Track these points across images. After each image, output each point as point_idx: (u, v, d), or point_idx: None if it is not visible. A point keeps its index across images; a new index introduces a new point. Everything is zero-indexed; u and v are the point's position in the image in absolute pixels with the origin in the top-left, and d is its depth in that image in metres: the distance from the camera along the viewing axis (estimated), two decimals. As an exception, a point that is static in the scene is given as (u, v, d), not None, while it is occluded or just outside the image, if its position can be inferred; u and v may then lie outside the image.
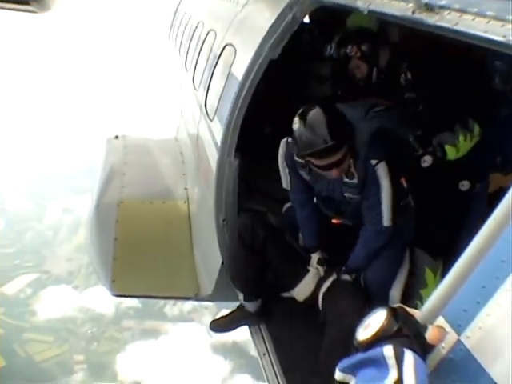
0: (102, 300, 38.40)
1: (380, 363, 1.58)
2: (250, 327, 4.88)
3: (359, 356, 1.66)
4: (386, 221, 3.80)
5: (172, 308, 39.87)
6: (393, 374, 1.54)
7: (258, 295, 4.61)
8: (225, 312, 5.12)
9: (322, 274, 4.20)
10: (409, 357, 1.59)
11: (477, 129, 3.95)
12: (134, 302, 39.03)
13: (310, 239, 4.34)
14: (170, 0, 12.40)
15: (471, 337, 1.68)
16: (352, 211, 4.06)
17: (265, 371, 4.46)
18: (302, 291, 4.24)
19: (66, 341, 37.68)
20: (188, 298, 6.17)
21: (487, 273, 1.69)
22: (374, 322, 1.76)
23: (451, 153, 3.96)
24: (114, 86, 55.63)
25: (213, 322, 5.04)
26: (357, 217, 4.03)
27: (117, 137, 8.71)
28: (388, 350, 1.60)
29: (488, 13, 2.21)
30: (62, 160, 52.15)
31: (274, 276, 4.45)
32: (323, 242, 4.34)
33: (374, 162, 3.71)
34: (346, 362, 1.67)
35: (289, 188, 4.31)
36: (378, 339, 1.70)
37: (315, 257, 4.27)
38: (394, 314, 1.77)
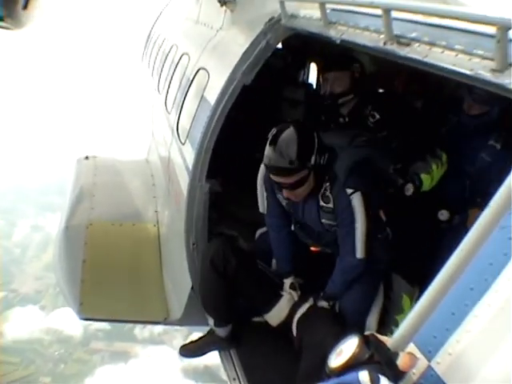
0: (70, 322, 37.82)
1: None
2: (220, 352, 4.82)
3: (334, 380, 1.66)
4: (360, 253, 3.80)
5: (142, 330, 39.46)
6: None
7: (228, 320, 4.55)
8: (196, 335, 5.05)
9: (295, 298, 4.18)
10: (384, 383, 1.59)
11: (444, 157, 4.22)
12: (103, 324, 38.41)
13: (284, 264, 4.33)
14: (144, 21, 12.43)
15: (441, 363, 1.70)
16: (330, 239, 4.05)
17: None
18: (275, 316, 4.21)
19: (33, 362, 37.02)
20: (157, 323, 6.08)
21: (456, 300, 1.72)
22: (346, 349, 1.77)
23: (426, 181, 4.16)
24: (86, 104, 55.47)
25: (182, 346, 4.94)
26: (336, 244, 4.01)
27: (87, 157, 8.63)
28: (364, 376, 1.61)
29: (456, 46, 2.27)
30: (33, 176, 51.68)
31: (246, 301, 4.41)
32: (299, 268, 4.32)
33: (349, 190, 3.71)
34: None
35: (265, 212, 4.32)
36: (350, 366, 1.71)
37: (288, 282, 4.25)
38: (366, 341, 1.79)
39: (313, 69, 7.96)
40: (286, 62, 7.09)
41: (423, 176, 4.15)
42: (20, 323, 38.91)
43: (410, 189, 4.15)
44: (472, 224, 1.76)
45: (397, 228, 4.07)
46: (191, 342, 4.92)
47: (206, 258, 4.32)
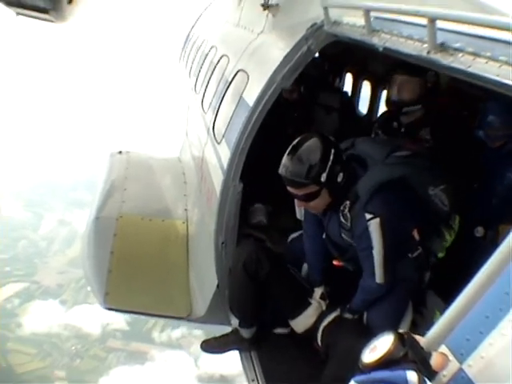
0: (89, 319, 38.03)
1: None
2: (240, 353, 4.85)
3: (379, 374, 1.66)
4: (379, 278, 3.71)
5: (160, 334, 39.30)
6: None
7: (253, 323, 4.58)
8: None
9: (323, 308, 4.18)
10: None
11: (457, 220, 4.01)
12: (121, 324, 38.63)
13: (316, 273, 4.31)
14: (185, 22, 12.57)
15: (473, 366, 1.71)
16: (352, 256, 3.95)
17: None
18: (302, 323, 4.21)
19: (50, 355, 37.14)
20: (180, 318, 6.13)
21: (491, 304, 1.73)
22: (381, 345, 1.78)
23: (441, 252, 4.01)
24: (122, 100, 55.90)
25: (205, 341, 4.98)
26: (357, 263, 3.91)
27: (120, 152, 8.75)
28: (412, 376, 1.62)
29: (501, 57, 2.29)
30: (64, 171, 52.14)
31: (275, 305, 4.41)
32: (328, 277, 4.30)
33: (368, 216, 3.59)
34: (363, 377, 1.68)
35: (302, 218, 4.30)
36: (384, 363, 1.72)
37: (318, 291, 4.25)
38: (401, 338, 1.79)
39: (348, 78, 7.98)
40: (322, 70, 7.10)
41: (440, 254, 4.00)
42: (40, 317, 39.14)
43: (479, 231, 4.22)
44: (503, 238, 1.77)
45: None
46: (214, 338, 4.94)
47: (239, 260, 4.34)
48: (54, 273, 43.42)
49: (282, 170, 3.67)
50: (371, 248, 3.63)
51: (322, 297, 4.23)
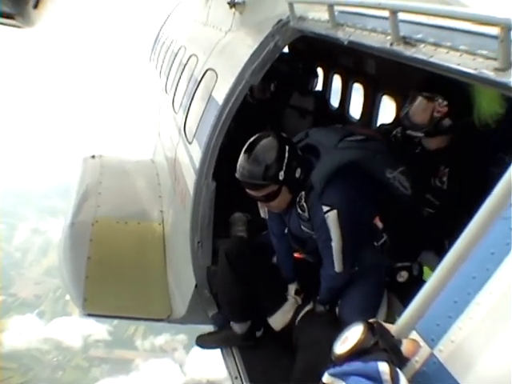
0: (69, 332, 37.50)
1: (373, 377, 1.60)
2: (221, 350, 4.86)
3: (352, 366, 1.68)
4: (338, 268, 3.70)
5: (143, 342, 38.90)
6: None
7: (244, 318, 4.58)
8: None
9: (299, 302, 4.21)
10: (403, 378, 1.63)
11: None
12: (103, 335, 38.17)
13: (287, 270, 4.31)
14: (152, 23, 12.53)
15: (444, 350, 1.74)
16: (312, 248, 3.96)
17: None
18: (280, 319, 4.25)
19: (31, 369, 36.55)
20: (160, 320, 6.13)
21: (459, 288, 1.76)
22: (352, 336, 1.79)
23: (427, 274, 3.87)
24: (93, 104, 55.37)
25: (199, 337, 4.97)
26: (317, 255, 3.92)
27: (93, 156, 8.69)
28: (384, 367, 1.63)
29: (461, 47, 2.34)
30: (35, 179, 51.36)
31: (259, 298, 4.41)
32: (300, 272, 4.31)
33: (325, 208, 3.56)
34: (336, 369, 1.69)
35: (266, 217, 4.31)
36: (356, 353, 1.73)
37: (292, 287, 4.27)
38: (371, 328, 1.81)
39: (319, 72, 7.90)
40: (293, 68, 7.03)
41: (426, 269, 3.90)
42: (18, 332, 38.34)
43: (404, 276, 3.93)
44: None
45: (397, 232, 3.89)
46: (208, 334, 4.97)
47: (222, 255, 4.35)
48: (30, 284, 42.77)
49: (238, 173, 3.67)
50: (330, 240, 3.63)
51: (297, 292, 4.25)
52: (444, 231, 3.55)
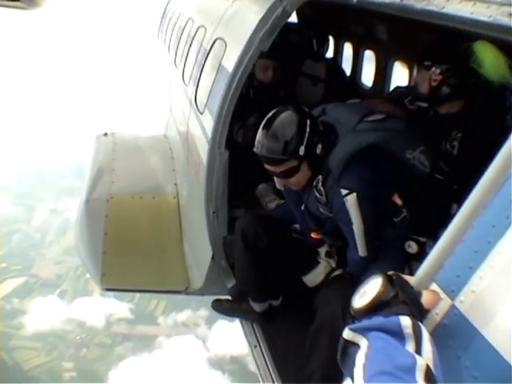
0: (91, 312, 38.06)
1: (395, 331, 1.57)
2: (241, 320, 4.90)
3: (373, 321, 1.64)
4: (362, 252, 3.60)
5: (166, 318, 39.34)
6: (411, 344, 1.54)
7: (263, 298, 4.57)
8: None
9: (333, 265, 4.11)
10: (425, 332, 1.59)
11: None
12: (124, 313, 38.67)
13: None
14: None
15: (465, 301, 1.72)
16: (330, 229, 3.87)
17: (256, 363, 4.48)
18: (312, 280, 4.16)
19: (55, 348, 37.23)
20: (178, 292, 6.17)
21: (479, 238, 1.73)
22: (370, 289, 1.75)
23: None
24: (103, 83, 55.36)
25: (216, 300, 4.99)
26: (335, 236, 3.88)
27: (106, 134, 8.71)
28: (405, 320, 1.60)
29: None
30: (51, 159, 51.77)
31: (283, 270, 4.34)
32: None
33: (344, 191, 3.47)
34: (357, 324, 1.66)
35: (282, 188, 4.20)
36: (375, 306, 1.70)
37: (323, 250, 4.16)
38: (390, 280, 1.77)
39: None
40: (303, 37, 6.92)
41: None
42: (41, 315, 39.11)
43: (412, 247, 3.72)
44: None
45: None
46: (227, 300, 4.97)
47: (237, 237, 4.31)
48: (51, 264, 43.45)
49: (257, 148, 3.60)
50: (351, 223, 3.53)
51: (328, 254, 4.14)
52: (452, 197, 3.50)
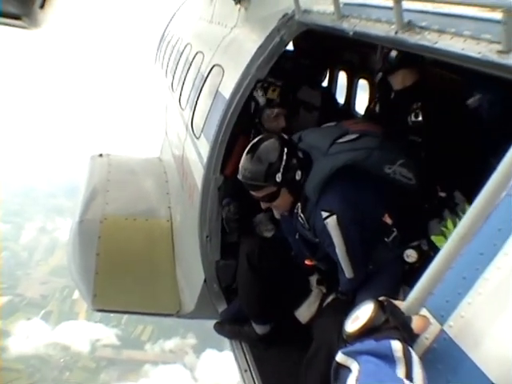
0: (76, 336, 37.50)
1: (386, 355, 1.61)
2: (231, 343, 4.91)
3: (364, 345, 1.68)
4: (348, 274, 3.59)
5: (152, 346, 38.81)
6: (401, 368, 1.58)
7: (265, 320, 4.62)
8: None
9: (324, 291, 4.17)
10: (415, 356, 1.63)
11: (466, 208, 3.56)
12: (111, 340, 38.12)
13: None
14: (158, 23, 12.59)
15: (454, 326, 1.75)
16: (322, 254, 3.86)
17: None
18: (306, 312, 4.20)
19: (38, 370, 36.65)
20: (169, 315, 6.17)
21: (467, 265, 1.77)
22: (362, 314, 1.79)
23: (439, 242, 3.56)
24: (99, 104, 55.50)
25: (219, 323, 5.03)
26: (328, 261, 3.81)
27: (101, 155, 8.75)
28: (396, 344, 1.64)
29: (465, 32, 2.37)
30: (42, 178, 51.54)
31: (282, 294, 4.42)
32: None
33: (324, 214, 3.47)
34: (349, 348, 1.70)
35: (279, 217, 4.29)
36: (367, 331, 1.74)
37: (313, 278, 4.23)
38: (381, 305, 1.81)
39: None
40: (297, 64, 6.97)
41: (434, 238, 3.58)
42: (25, 337, 38.53)
43: (412, 255, 3.63)
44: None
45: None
46: (229, 323, 4.99)
47: (243, 256, 4.39)
48: (37, 284, 42.98)
49: (240, 174, 3.71)
50: (334, 247, 3.53)
51: (319, 282, 4.20)
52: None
